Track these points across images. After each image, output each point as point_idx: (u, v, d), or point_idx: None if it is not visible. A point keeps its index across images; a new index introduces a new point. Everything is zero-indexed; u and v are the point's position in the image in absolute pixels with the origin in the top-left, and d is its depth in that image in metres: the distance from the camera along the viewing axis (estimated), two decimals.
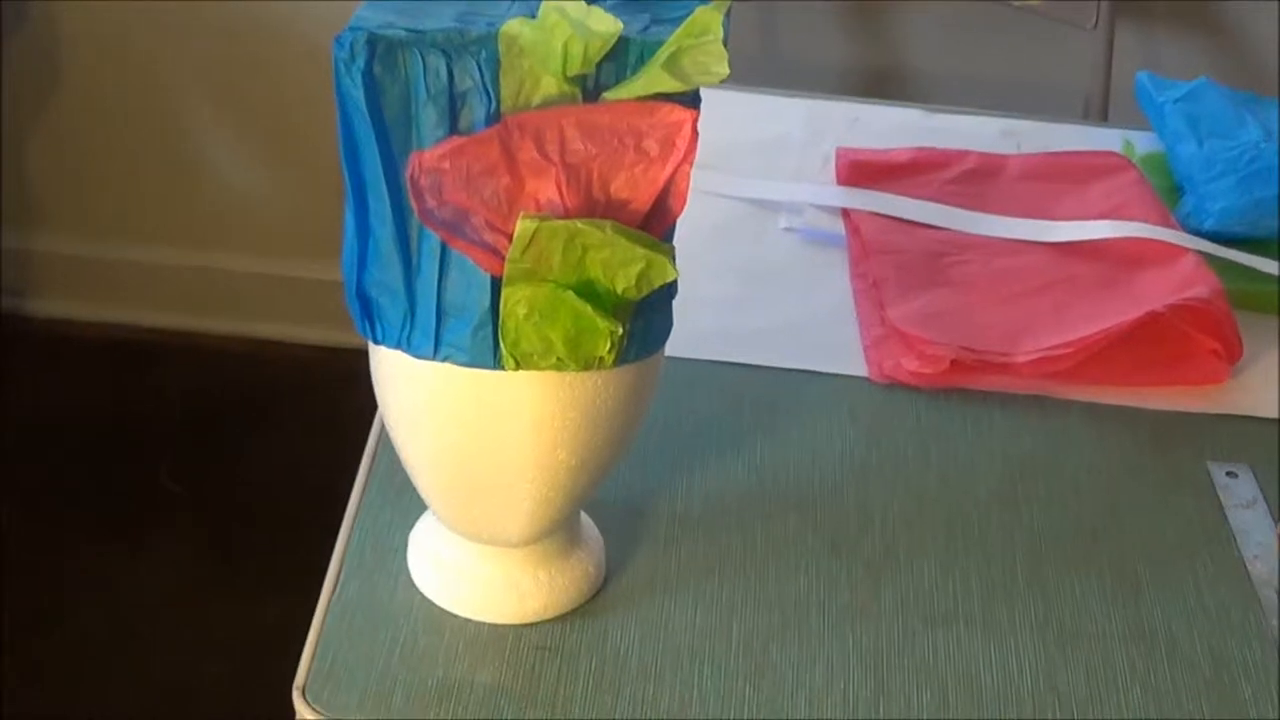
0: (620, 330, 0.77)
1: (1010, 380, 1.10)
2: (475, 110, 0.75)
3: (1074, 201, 1.29)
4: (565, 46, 0.73)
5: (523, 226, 0.73)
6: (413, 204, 0.74)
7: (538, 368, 0.78)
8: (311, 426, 2.15)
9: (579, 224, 0.73)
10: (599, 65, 0.75)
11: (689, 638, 0.89)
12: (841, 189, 1.29)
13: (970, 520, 0.99)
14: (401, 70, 0.75)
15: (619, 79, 0.75)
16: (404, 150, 0.75)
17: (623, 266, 0.75)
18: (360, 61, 0.74)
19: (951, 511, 0.99)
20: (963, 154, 1.34)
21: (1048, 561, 0.96)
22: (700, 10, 0.73)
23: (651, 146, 0.74)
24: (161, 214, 2.34)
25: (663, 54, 0.73)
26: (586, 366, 0.78)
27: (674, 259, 0.76)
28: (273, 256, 2.34)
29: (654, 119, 0.74)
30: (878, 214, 1.25)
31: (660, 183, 0.75)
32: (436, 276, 0.77)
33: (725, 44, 0.72)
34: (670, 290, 0.82)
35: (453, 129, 0.75)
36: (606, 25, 0.73)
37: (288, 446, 2.18)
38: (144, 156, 2.31)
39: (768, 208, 1.28)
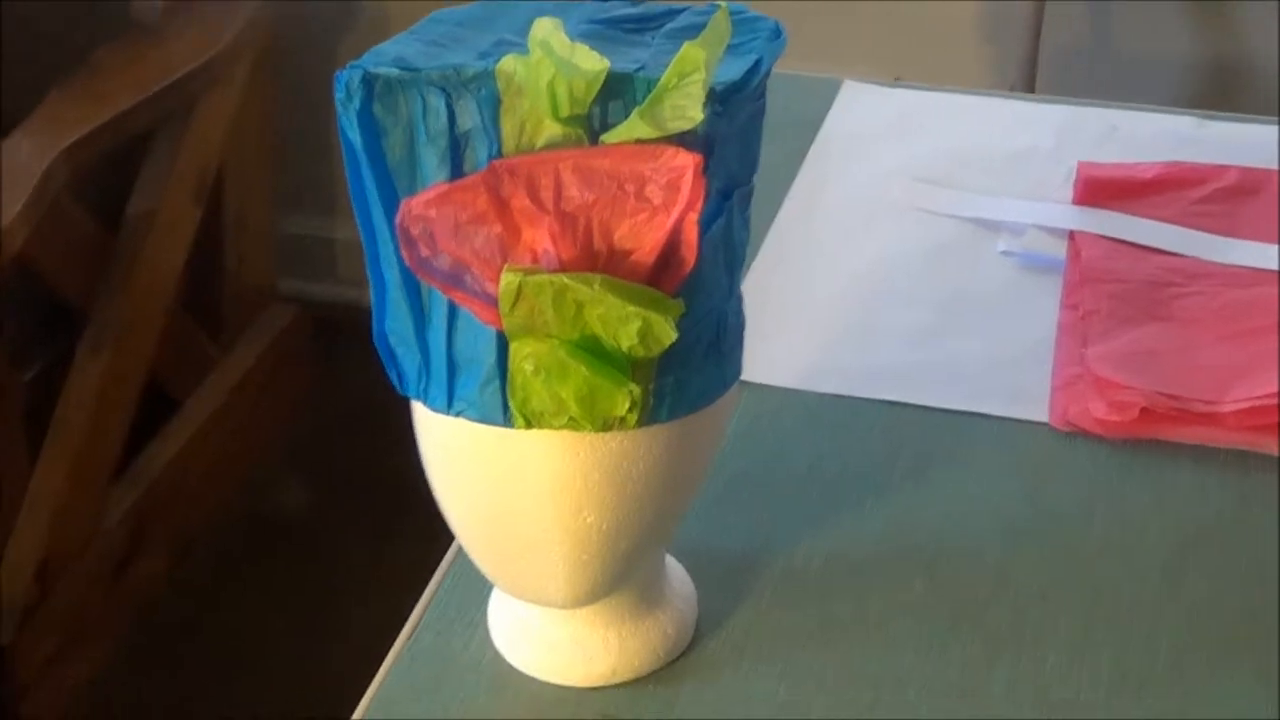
0: (639, 389, 0.71)
1: (1212, 433, 0.98)
2: (478, 153, 0.70)
3: None
4: (551, 86, 0.67)
5: (506, 280, 0.68)
6: (404, 254, 0.70)
7: (551, 427, 0.72)
8: None
9: (565, 278, 0.67)
10: (606, 103, 0.68)
11: (766, 712, 0.82)
12: (1069, 208, 1.18)
13: (1120, 595, 0.88)
14: (403, 111, 0.70)
15: (627, 117, 0.68)
16: (409, 195, 0.71)
17: (621, 324, 0.68)
18: (357, 102, 0.70)
19: (1100, 583, 0.89)
20: (1221, 169, 1.20)
21: (1197, 651, 0.85)
22: (687, 47, 0.65)
23: (654, 193, 0.68)
24: None
25: (652, 95, 0.66)
26: (606, 427, 0.72)
27: (680, 316, 0.69)
28: None
29: (657, 163, 0.67)
30: (1105, 237, 1.14)
31: (665, 232, 0.68)
32: (445, 327, 0.72)
33: (708, 85, 0.65)
34: (724, 339, 0.75)
35: (456, 173, 0.70)
36: (592, 63, 0.66)
37: None
38: None
39: (990, 228, 1.18)
